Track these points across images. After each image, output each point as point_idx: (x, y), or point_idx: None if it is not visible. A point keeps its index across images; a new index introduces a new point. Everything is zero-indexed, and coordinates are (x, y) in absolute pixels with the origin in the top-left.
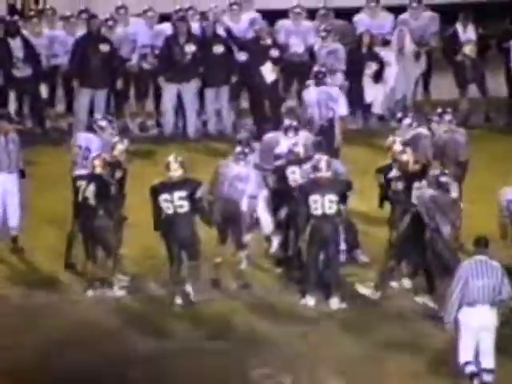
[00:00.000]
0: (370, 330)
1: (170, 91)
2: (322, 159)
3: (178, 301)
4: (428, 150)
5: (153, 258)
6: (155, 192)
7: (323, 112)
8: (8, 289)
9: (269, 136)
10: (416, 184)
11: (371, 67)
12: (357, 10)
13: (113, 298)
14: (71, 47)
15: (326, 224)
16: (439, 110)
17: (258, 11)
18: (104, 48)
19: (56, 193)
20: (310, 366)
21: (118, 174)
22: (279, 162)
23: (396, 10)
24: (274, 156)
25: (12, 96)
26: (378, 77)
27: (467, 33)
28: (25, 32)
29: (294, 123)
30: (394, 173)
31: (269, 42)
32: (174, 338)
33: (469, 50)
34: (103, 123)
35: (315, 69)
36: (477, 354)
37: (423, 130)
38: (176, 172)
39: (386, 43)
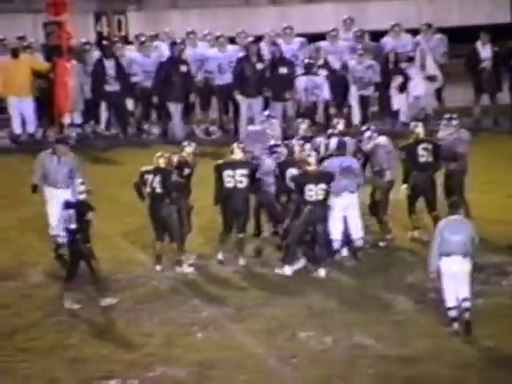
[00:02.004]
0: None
1: (244, 104)
2: (312, 155)
3: (220, 256)
4: (383, 158)
5: (213, 241)
6: (220, 168)
7: (309, 96)
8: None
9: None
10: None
11: (397, 80)
12: (382, 33)
13: (182, 274)
14: (156, 68)
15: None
16: (447, 116)
17: (300, 35)
18: (183, 68)
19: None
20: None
21: (187, 171)
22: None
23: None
24: None
25: (103, 106)
26: (402, 88)
27: (485, 50)
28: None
29: (336, 131)
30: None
31: (321, 61)
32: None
33: (486, 64)
34: (273, 120)
35: (306, 61)
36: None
37: (382, 140)
38: (238, 155)
39: (409, 59)
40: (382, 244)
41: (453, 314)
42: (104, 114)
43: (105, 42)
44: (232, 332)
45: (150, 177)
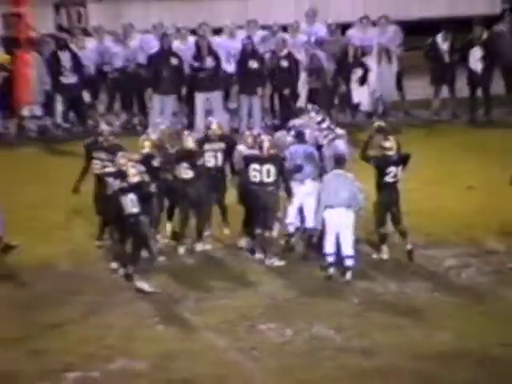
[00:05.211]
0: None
1: (200, 98)
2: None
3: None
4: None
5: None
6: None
7: None
8: (58, 258)
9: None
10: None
11: (357, 73)
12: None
13: None
14: (146, 60)
15: None
16: (319, 119)
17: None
18: (174, 61)
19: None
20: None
21: (156, 163)
22: None
23: None
24: None
25: (59, 99)
26: (363, 80)
27: (445, 43)
28: (72, 46)
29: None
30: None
31: (284, 53)
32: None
33: (445, 56)
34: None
35: None
36: (339, 247)
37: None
38: (189, 143)
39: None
40: None
41: (330, 259)
42: (59, 106)
43: (59, 34)
44: (192, 324)
45: (122, 197)
